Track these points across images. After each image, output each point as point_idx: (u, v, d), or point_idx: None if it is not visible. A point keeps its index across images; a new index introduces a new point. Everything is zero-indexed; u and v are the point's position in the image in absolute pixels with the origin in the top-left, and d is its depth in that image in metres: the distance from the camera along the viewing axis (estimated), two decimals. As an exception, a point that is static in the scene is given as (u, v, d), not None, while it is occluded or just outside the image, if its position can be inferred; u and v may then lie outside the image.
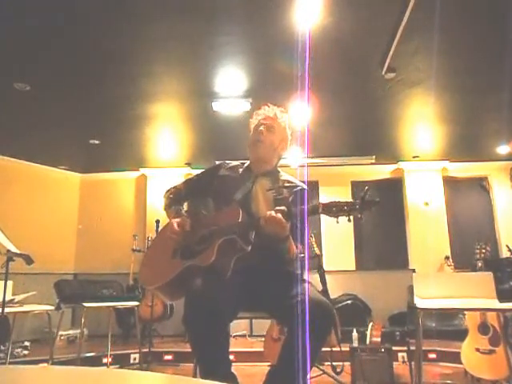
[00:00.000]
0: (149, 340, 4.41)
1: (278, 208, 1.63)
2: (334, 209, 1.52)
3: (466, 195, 6.46)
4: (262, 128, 1.99)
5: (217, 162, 2.11)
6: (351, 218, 1.51)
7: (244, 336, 5.45)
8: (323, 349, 1.74)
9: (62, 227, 6.38)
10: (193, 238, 1.83)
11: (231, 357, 1.70)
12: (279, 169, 2.08)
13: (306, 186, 1.96)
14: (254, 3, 2.85)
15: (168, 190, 2.12)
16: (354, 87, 4.06)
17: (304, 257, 1.81)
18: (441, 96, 4.16)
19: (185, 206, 2.12)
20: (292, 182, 1.98)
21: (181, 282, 1.71)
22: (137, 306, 4.09)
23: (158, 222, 4.28)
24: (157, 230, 4.06)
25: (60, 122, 4.71)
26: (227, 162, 2.10)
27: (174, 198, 2.08)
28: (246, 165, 2.07)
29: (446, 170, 6.34)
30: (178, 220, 1.90)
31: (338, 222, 1.54)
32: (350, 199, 1.53)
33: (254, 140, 1.99)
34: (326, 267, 4.65)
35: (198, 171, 2.22)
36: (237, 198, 1.88)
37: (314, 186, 6.30)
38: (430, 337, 4.28)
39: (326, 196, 6.05)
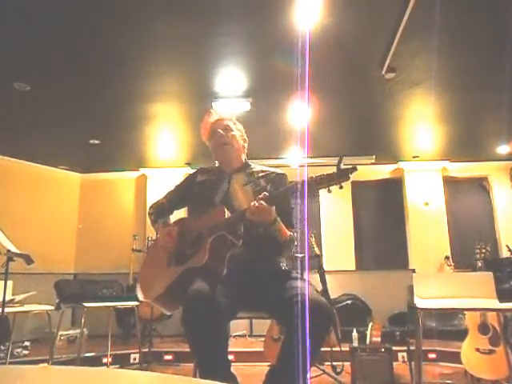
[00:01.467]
0: (149, 340, 4.41)
1: (259, 196, 1.64)
2: (313, 183, 1.56)
3: (465, 195, 6.46)
4: (220, 131, 1.99)
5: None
6: (331, 189, 1.58)
7: (244, 336, 5.45)
8: (323, 349, 1.75)
9: (62, 227, 6.38)
10: (184, 244, 1.85)
11: (231, 357, 1.70)
12: (249, 161, 2.09)
13: (281, 171, 2.00)
14: (254, 3, 2.85)
15: (151, 207, 2.15)
16: (353, 87, 4.06)
17: (304, 257, 1.81)
18: (441, 96, 4.16)
19: (171, 218, 2.13)
20: (266, 171, 2.00)
21: (179, 289, 1.70)
22: (137, 305, 4.09)
23: (158, 222, 4.27)
24: (156, 231, 4.05)
25: (60, 122, 4.71)
26: (202, 167, 2.12)
27: (158, 212, 2.11)
28: (217, 166, 2.09)
29: (446, 169, 6.34)
30: (165, 230, 1.93)
31: (318, 195, 1.57)
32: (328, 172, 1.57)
33: (219, 144, 2.00)
34: (326, 267, 4.66)
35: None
36: (217, 200, 1.91)
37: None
38: (430, 337, 4.27)
39: (326, 196, 6.04)
